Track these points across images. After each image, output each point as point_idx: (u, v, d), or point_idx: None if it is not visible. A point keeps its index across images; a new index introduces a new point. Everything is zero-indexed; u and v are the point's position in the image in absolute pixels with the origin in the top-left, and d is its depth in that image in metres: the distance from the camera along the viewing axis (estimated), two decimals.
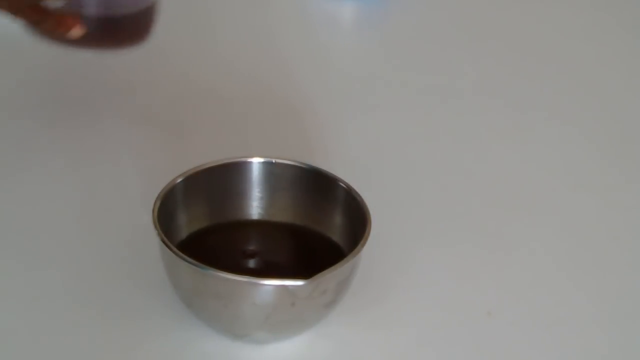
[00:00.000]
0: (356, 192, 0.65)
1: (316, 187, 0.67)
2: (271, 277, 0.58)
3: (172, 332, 0.63)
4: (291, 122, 0.86)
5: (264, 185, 0.68)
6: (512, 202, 0.79)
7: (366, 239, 0.61)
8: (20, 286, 0.66)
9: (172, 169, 0.67)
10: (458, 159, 0.84)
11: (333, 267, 0.59)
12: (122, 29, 0.91)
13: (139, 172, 0.78)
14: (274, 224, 0.69)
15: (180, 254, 0.59)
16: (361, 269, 0.62)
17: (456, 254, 0.72)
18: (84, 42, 0.75)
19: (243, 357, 0.62)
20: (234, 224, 0.68)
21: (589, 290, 0.70)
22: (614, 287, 0.71)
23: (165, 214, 0.62)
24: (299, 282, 0.58)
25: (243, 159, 0.68)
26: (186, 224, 0.66)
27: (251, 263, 0.67)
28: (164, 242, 0.60)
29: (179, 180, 0.65)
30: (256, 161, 0.68)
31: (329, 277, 0.59)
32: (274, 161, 0.68)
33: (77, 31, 0.70)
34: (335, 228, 0.67)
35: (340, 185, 0.66)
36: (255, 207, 0.69)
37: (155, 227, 0.61)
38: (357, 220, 0.63)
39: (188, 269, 0.59)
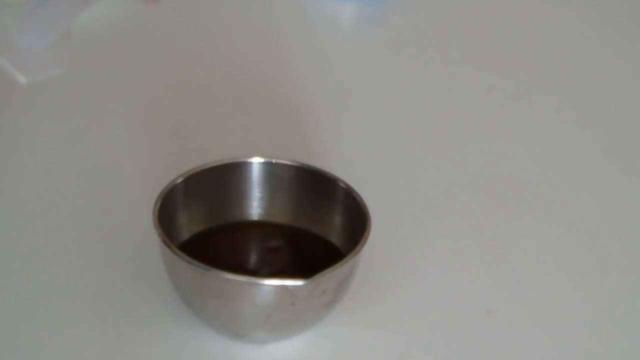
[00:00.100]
0: (356, 192, 0.65)
1: (316, 187, 0.67)
2: (271, 277, 0.58)
3: (172, 331, 0.63)
4: (291, 123, 0.86)
5: (264, 185, 0.68)
6: (512, 201, 0.79)
7: (366, 239, 0.61)
8: (20, 286, 0.66)
9: (172, 169, 0.67)
10: (458, 159, 0.84)
11: (333, 267, 0.59)
12: None
13: (139, 172, 0.78)
14: (273, 224, 0.69)
15: (181, 253, 0.59)
16: (361, 269, 0.62)
17: (456, 253, 0.72)
18: None
19: (243, 356, 0.62)
20: (234, 224, 0.68)
21: (589, 290, 0.70)
22: (614, 287, 0.71)
23: (166, 214, 0.63)
24: (299, 282, 0.58)
25: (243, 159, 0.68)
26: (186, 224, 0.66)
27: (252, 263, 0.67)
28: (164, 242, 0.60)
29: (179, 180, 0.65)
30: (256, 161, 0.68)
31: (329, 277, 0.59)
32: (274, 161, 0.68)
33: None
34: (335, 228, 0.67)
35: (340, 186, 0.66)
36: (255, 207, 0.69)
37: (156, 227, 0.61)
38: (357, 220, 0.63)
39: (188, 269, 0.59)
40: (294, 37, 1.03)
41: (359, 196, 0.65)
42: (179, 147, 0.81)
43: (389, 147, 0.85)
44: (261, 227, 0.69)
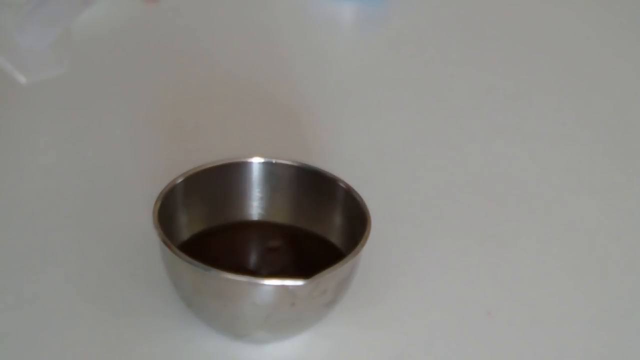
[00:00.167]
0: (356, 192, 0.65)
1: (316, 187, 0.67)
2: (271, 277, 0.58)
3: (172, 331, 0.63)
4: (291, 123, 0.86)
5: (264, 185, 0.68)
6: (512, 201, 0.79)
7: (366, 239, 0.61)
8: (20, 286, 0.66)
9: (172, 169, 0.67)
10: (458, 159, 0.84)
11: (333, 267, 0.59)
12: None
13: (139, 172, 0.78)
14: (273, 224, 0.69)
15: (181, 253, 0.59)
16: (361, 269, 0.62)
17: (456, 253, 0.72)
18: None
19: (243, 356, 0.62)
20: (234, 224, 0.68)
21: (589, 290, 0.70)
22: (614, 287, 0.71)
23: (166, 214, 0.63)
24: (298, 282, 0.58)
25: (243, 159, 0.68)
26: (186, 224, 0.66)
27: (252, 263, 0.67)
28: (164, 242, 0.60)
29: (179, 180, 0.65)
30: (256, 161, 0.68)
31: (329, 277, 0.59)
32: (274, 161, 0.68)
33: None
34: (335, 228, 0.67)
35: (340, 186, 0.66)
36: (255, 207, 0.69)
37: (156, 227, 0.61)
38: (357, 220, 0.63)
39: (188, 269, 0.59)
40: (294, 37, 1.03)
41: (359, 196, 0.65)
42: (179, 147, 0.81)
43: (389, 147, 0.85)
44: (261, 227, 0.69)
